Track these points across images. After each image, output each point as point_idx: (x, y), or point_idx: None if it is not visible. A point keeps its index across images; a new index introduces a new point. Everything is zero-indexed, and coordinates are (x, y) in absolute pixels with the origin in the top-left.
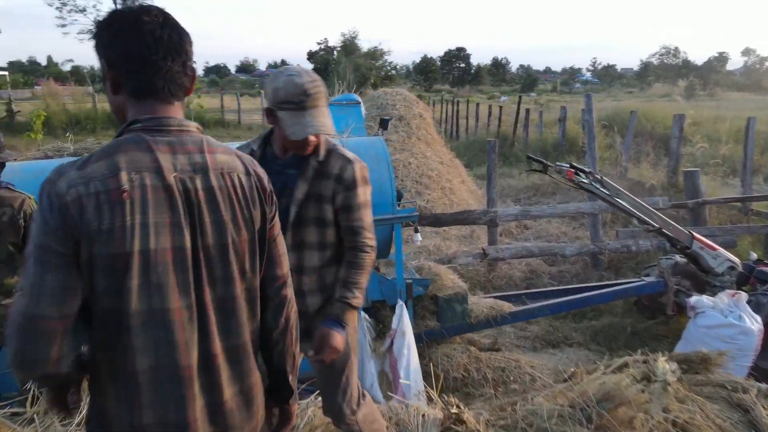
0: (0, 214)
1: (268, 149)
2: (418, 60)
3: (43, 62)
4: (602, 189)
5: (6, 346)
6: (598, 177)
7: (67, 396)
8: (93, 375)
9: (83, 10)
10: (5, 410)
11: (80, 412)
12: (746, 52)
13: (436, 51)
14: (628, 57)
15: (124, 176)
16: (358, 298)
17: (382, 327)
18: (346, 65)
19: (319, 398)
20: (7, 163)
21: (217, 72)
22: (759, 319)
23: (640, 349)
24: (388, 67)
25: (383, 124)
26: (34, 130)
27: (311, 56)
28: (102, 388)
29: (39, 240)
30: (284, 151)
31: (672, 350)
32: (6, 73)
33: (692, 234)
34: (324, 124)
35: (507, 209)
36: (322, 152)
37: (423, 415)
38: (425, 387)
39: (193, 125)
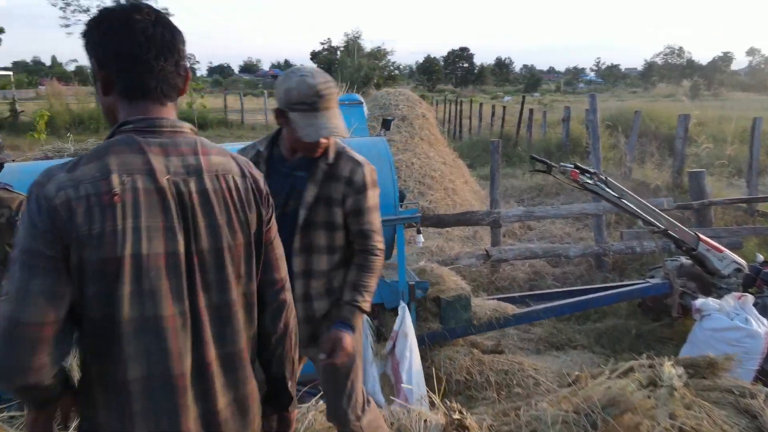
0: None
1: (276, 150)
2: (421, 60)
3: (48, 62)
4: (607, 190)
5: None
6: (603, 178)
7: (52, 422)
8: (83, 384)
9: (87, 11)
10: (2, 414)
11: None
12: (751, 51)
13: (440, 51)
14: (632, 57)
15: (115, 179)
16: (368, 302)
17: (383, 330)
18: (352, 65)
19: (320, 402)
20: (5, 164)
21: (221, 72)
22: (766, 321)
23: (644, 352)
24: (392, 67)
25: (386, 124)
26: (38, 130)
27: (314, 56)
28: (93, 397)
29: (26, 244)
30: (292, 152)
31: (677, 353)
32: (10, 73)
33: (698, 236)
34: (337, 126)
35: (510, 210)
36: (332, 155)
37: (425, 421)
38: (427, 391)
39: (186, 126)
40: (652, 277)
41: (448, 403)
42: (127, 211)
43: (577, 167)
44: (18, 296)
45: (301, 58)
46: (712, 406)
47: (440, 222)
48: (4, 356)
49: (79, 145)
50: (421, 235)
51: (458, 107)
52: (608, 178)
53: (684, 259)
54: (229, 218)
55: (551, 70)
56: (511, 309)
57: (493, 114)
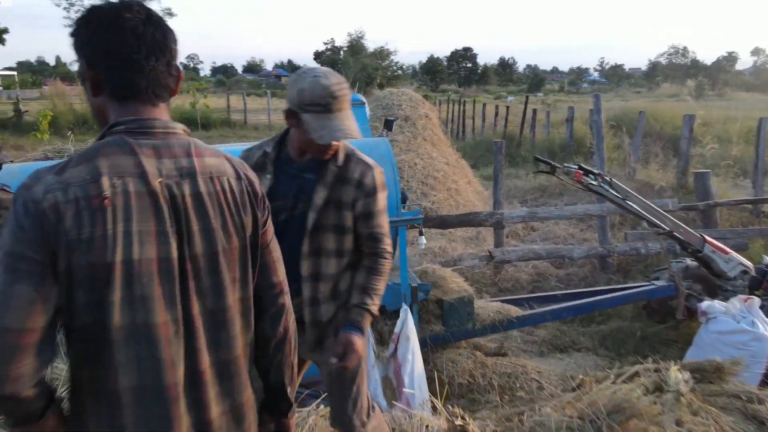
0: None
1: (283, 151)
2: (424, 60)
3: (52, 62)
4: (612, 191)
5: None
6: (608, 179)
7: None
8: (73, 393)
9: None
10: None
11: None
12: (756, 51)
13: (443, 51)
14: (636, 57)
15: (105, 182)
16: (377, 305)
17: (385, 333)
18: (355, 65)
19: (321, 406)
20: (4, 165)
21: (224, 72)
22: None
23: (649, 355)
24: (395, 67)
25: (388, 125)
26: (41, 130)
27: (318, 56)
28: (82, 406)
29: (11, 247)
30: (301, 153)
31: (682, 356)
32: (15, 73)
33: (704, 237)
34: (351, 128)
35: (514, 211)
36: (341, 157)
37: (427, 426)
38: (429, 396)
39: (179, 127)
40: (657, 279)
41: (450, 408)
42: (117, 215)
43: (581, 168)
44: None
45: (304, 58)
46: (719, 412)
47: (443, 223)
48: None
49: (81, 145)
50: (423, 236)
51: (461, 107)
52: (613, 179)
53: (689, 261)
54: (224, 221)
55: (555, 70)
56: (515, 311)
57: (496, 114)
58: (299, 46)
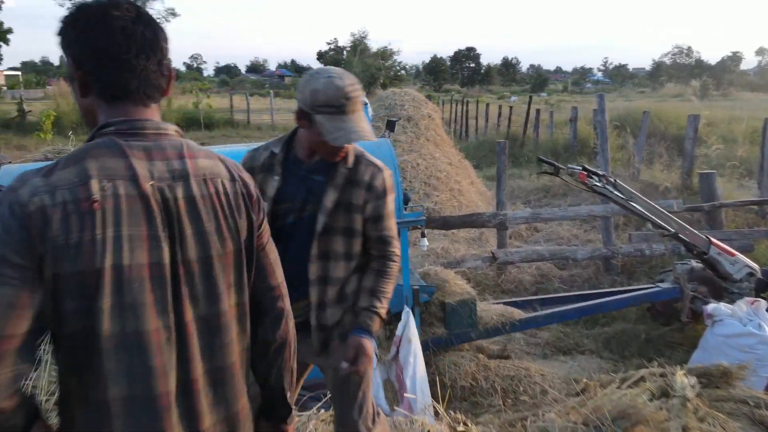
0: None
1: (291, 152)
2: (427, 60)
3: (56, 62)
4: (616, 192)
5: None
6: (612, 180)
7: None
8: (62, 402)
9: None
10: None
11: None
12: (760, 51)
13: (446, 51)
14: (639, 57)
15: (94, 185)
16: (386, 308)
17: (386, 334)
18: (358, 65)
19: (321, 410)
20: (3, 166)
21: (228, 72)
22: None
23: (654, 358)
24: (398, 68)
25: (390, 125)
26: (44, 130)
27: (321, 56)
28: (71, 416)
29: None
30: (310, 155)
31: (687, 359)
32: (19, 73)
33: (709, 239)
34: (366, 130)
35: (517, 212)
36: (351, 159)
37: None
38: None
39: (171, 128)
40: (662, 280)
41: (452, 413)
42: (107, 219)
43: (585, 169)
44: None
45: (307, 58)
46: (726, 418)
47: (446, 224)
48: None
49: (82, 145)
50: (425, 238)
51: (464, 107)
52: (617, 181)
53: (694, 263)
54: (218, 225)
55: (558, 70)
56: (518, 314)
57: (499, 114)
58: (300, 46)
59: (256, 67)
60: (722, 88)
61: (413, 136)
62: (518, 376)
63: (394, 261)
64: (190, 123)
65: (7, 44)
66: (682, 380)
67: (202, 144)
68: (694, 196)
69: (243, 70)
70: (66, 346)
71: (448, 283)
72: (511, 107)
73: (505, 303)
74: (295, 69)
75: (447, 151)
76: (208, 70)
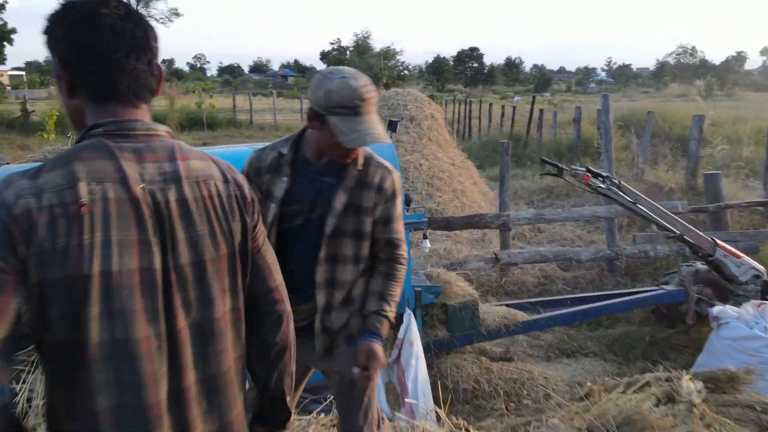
0: None
1: (299, 153)
2: (430, 60)
3: None
4: (620, 194)
5: None
6: (616, 181)
7: None
8: (49, 412)
9: None
10: None
11: None
12: (765, 51)
13: (449, 51)
14: (643, 56)
15: (83, 187)
16: (394, 312)
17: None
18: (361, 65)
19: (322, 414)
20: (1, 167)
21: (231, 72)
22: None
23: (658, 361)
24: (401, 67)
25: (392, 126)
26: (47, 130)
27: (324, 56)
28: (58, 427)
29: None
30: (319, 156)
31: (692, 362)
32: (23, 73)
33: (715, 241)
34: (380, 132)
35: (520, 213)
36: (361, 161)
37: None
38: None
39: (162, 129)
40: (666, 282)
41: (454, 418)
42: (96, 223)
43: (588, 171)
44: None
45: (309, 58)
46: (733, 424)
47: (448, 225)
48: None
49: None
50: (427, 240)
51: (467, 107)
52: (621, 182)
53: (699, 265)
54: (211, 228)
55: (562, 70)
56: (521, 316)
57: (502, 114)
58: (301, 46)
59: (259, 67)
60: (726, 88)
61: (416, 136)
62: (521, 379)
63: (402, 264)
64: (193, 123)
65: (11, 44)
66: (688, 385)
67: (205, 144)
68: (698, 196)
69: (246, 70)
70: (52, 354)
71: (451, 284)
72: (514, 107)
73: (508, 305)
74: (298, 69)
75: (450, 152)
76: (212, 70)
